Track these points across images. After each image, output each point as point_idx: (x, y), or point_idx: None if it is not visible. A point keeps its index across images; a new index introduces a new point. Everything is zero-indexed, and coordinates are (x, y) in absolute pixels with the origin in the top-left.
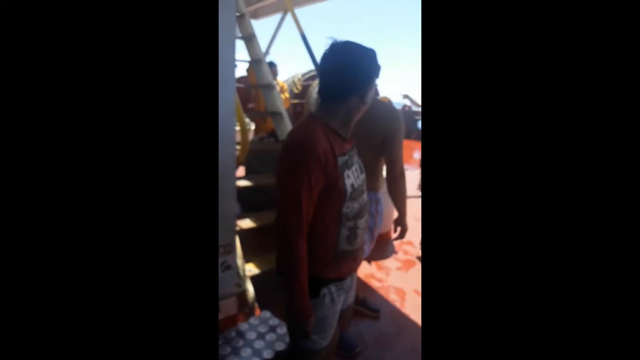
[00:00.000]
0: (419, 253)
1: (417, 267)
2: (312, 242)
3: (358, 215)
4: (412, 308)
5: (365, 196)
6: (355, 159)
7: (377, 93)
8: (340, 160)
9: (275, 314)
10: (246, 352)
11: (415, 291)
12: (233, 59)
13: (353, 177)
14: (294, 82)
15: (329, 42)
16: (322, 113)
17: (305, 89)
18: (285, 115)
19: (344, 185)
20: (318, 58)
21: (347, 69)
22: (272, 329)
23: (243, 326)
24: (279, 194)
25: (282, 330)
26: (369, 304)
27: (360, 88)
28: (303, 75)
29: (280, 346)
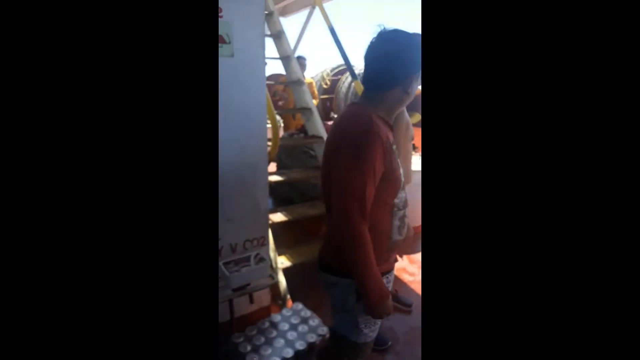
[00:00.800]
0: None
1: None
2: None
3: (405, 204)
4: None
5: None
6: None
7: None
8: (395, 148)
9: (306, 305)
10: (279, 342)
11: None
12: (263, 57)
13: (400, 167)
14: (322, 77)
15: (378, 30)
16: (367, 102)
17: (334, 83)
18: (315, 110)
19: (400, 174)
20: (347, 51)
21: (392, 59)
22: (304, 320)
23: (276, 317)
24: (342, 181)
25: (314, 322)
26: (401, 298)
27: (405, 79)
28: (332, 70)
29: (312, 338)
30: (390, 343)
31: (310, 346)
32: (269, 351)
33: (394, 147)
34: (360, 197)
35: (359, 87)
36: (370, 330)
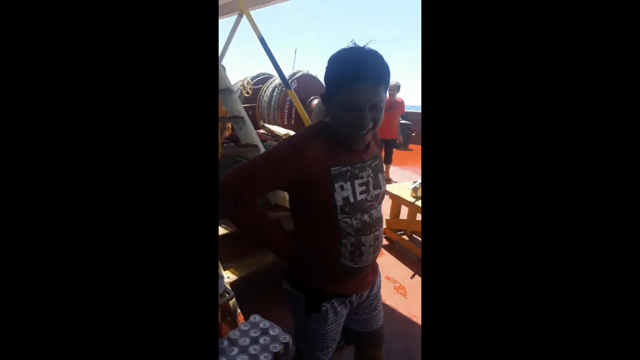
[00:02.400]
0: (384, 242)
1: (384, 255)
2: (311, 255)
3: (361, 231)
4: (386, 294)
5: (375, 212)
6: (369, 172)
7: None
8: (335, 170)
9: (262, 316)
10: (242, 359)
11: (387, 277)
12: None
13: (350, 190)
14: (243, 86)
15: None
16: (329, 122)
17: (256, 92)
18: (247, 118)
19: (333, 197)
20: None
21: (325, 76)
22: (264, 331)
23: (234, 334)
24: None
25: (275, 331)
26: None
27: (331, 95)
28: (252, 78)
29: (276, 348)
30: (343, 342)
31: (276, 356)
32: None
33: (347, 168)
34: (250, 169)
35: (293, 96)
36: (323, 353)
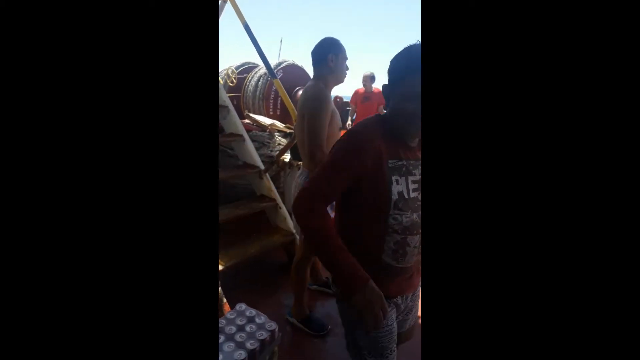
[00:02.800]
0: None
1: None
2: (355, 251)
3: (409, 230)
4: None
5: (421, 214)
6: (420, 171)
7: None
8: (392, 163)
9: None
10: (229, 346)
11: None
12: None
13: (404, 186)
14: (228, 75)
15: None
16: (387, 115)
17: (241, 82)
18: (232, 107)
19: (389, 189)
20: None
21: (390, 69)
22: (251, 319)
23: (221, 322)
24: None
25: (261, 319)
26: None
27: (394, 86)
28: (237, 67)
29: (262, 335)
30: (329, 327)
31: (262, 343)
32: (220, 357)
33: (403, 163)
34: (325, 179)
35: (279, 86)
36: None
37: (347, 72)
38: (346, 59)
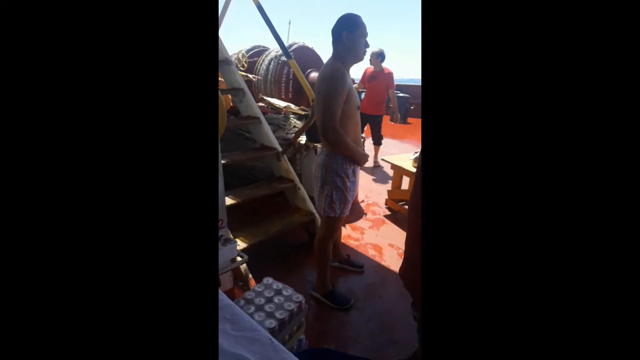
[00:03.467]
0: (386, 212)
1: (387, 225)
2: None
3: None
4: (390, 259)
5: None
6: None
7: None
8: None
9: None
10: (260, 316)
11: (390, 245)
12: None
13: None
14: (238, 59)
15: None
16: None
17: (252, 65)
18: (247, 90)
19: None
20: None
21: None
22: (278, 292)
23: (249, 294)
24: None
25: (288, 292)
26: (352, 262)
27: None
28: (247, 51)
29: (291, 306)
30: (352, 301)
31: (291, 314)
32: (253, 322)
33: None
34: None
35: (294, 66)
36: None
37: (366, 49)
38: (365, 35)
